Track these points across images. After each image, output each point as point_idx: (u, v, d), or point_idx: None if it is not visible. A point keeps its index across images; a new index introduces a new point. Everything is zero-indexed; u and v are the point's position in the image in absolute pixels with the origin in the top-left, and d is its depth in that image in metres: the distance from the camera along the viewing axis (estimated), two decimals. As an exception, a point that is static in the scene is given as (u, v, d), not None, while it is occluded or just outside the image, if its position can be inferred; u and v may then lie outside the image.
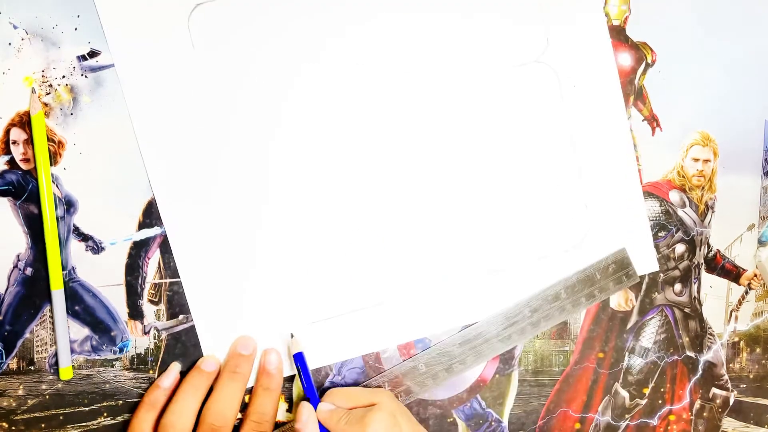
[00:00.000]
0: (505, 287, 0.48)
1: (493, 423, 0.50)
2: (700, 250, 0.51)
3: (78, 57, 0.44)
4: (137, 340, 0.46)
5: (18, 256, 0.44)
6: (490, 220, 0.48)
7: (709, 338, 0.52)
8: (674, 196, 0.50)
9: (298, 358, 0.45)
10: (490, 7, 0.47)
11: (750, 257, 0.52)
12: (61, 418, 0.45)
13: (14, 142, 0.44)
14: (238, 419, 0.45)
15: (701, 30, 0.49)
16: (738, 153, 0.51)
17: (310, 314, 0.46)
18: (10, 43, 0.43)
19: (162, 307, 0.46)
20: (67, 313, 0.45)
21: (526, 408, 0.50)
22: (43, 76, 0.44)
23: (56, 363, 0.45)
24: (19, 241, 0.44)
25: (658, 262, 0.50)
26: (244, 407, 0.45)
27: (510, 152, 0.48)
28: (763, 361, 0.53)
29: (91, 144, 0.44)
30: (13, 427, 0.45)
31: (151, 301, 0.46)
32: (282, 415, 0.47)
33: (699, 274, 0.51)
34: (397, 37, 0.46)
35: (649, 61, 0.49)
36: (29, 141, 0.44)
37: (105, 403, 0.46)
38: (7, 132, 0.44)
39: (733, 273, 0.52)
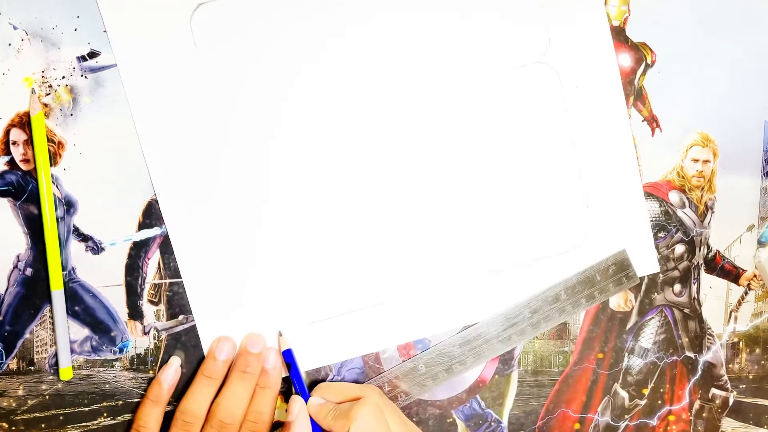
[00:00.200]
0: (505, 288, 0.48)
1: (492, 423, 0.50)
2: (699, 250, 0.51)
3: (78, 58, 0.44)
4: (137, 340, 0.46)
5: (18, 256, 0.44)
6: (490, 221, 0.48)
7: (708, 339, 0.52)
8: (674, 197, 0.50)
9: (287, 355, 0.45)
10: (491, 8, 0.47)
11: (749, 258, 0.52)
12: (61, 418, 0.46)
13: (14, 143, 0.44)
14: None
15: (701, 30, 0.49)
16: (738, 153, 0.51)
17: (309, 314, 0.46)
18: (10, 44, 0.43)
19: (162, 307, 0.46)
20: (67, 313, 0.45)
21: (525, 408, 0.50)
22: (42, 76, 0.44)
23: (56, 363, 0.45)
24: (19, 242, 0.44)
25: (658, 263, 0.50)
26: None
27: (510, 153, 0.48)
28: (763, 362, 0.53)
29: (91, 144, 0.44)
30: (13, 427, 0.45)
31: (151, 302, 0.46)
32: (282, 416, 0.47)
33: (698, 274, 0.51)
34: (397, 38, 0.46)
35: (649, 61, 0.49)
36: (29, 141, 0.44)
37: (105, 404, 0.46)
38: (7, 132, 0.44)
39: (732, 273, 0.52)
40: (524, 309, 0.48)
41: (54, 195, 0.44)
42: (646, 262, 0.50)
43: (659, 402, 0.52)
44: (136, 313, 0.46)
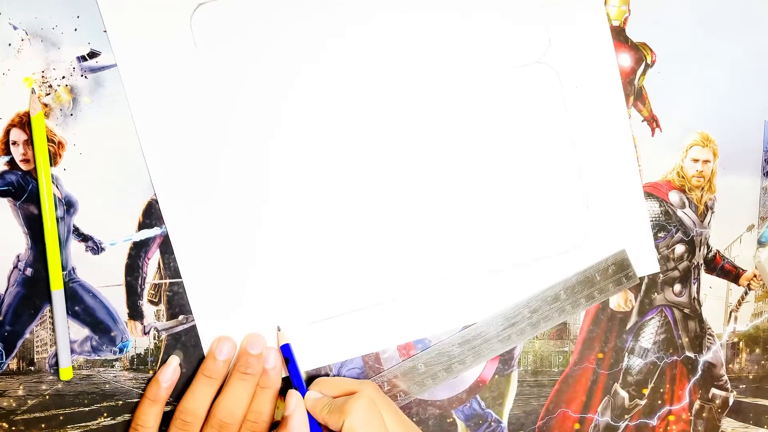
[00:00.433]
0: (504, 288, 0.48)
1: (492, 423, 0.50)
2: (699, 250, 0.51)
3: (78, 58, 0.44)
4: (137, 340, 0.46)
5: (18, 256, 0.44)
6: (490, 221, 0.48)
7: (708, 339, 0.52)
8: (674, 197, 0.50)
9: (285, 349, 0.45)
10: (491, 8, 0.47)
11: (749, 258, 0.52)
12: (61, 418, 0.46)
13: (14, 143, 0.44)
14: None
15: (701, 30, 0.49)
16: (738, 153, 0.51)
17: (310, 314, 0.46)
18: (10, 44, 0.43)
19: (162, 307, 0.46)
20: (67, 313, 0.45)
21: (525, 408, 0.50)
22: (42, 76, 0.44)
23: (56, 363, 0.45)
24: (19, 242, 0.44)
25: (658, 263, 0.50)
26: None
27: (510, 153, 0.48)
28: (763, 362, 0.53)
29: (91, 144, 0.44)
30: (13, 427, 0.45)
31: (151, 302, 0.46)
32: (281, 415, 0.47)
33: (698, 274, 0.51)
34: (397, 38, 0.46)
35: (649, 61, 0.49)
36: (29, 142, 0.44)
37: (105, 404, 0.46)
38: (7, 132, 0.44)
39: (732, 273, 0.52)
40: (524, 309, 0.48)
41: (54, 195, 0.44)
42: (646, 262, 0.50)
43: (659, 402, 0.52)
44: (136, 313, 0.46)
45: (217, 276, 0.45)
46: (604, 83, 0.48)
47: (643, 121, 0.49)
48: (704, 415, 0.52)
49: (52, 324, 0.45)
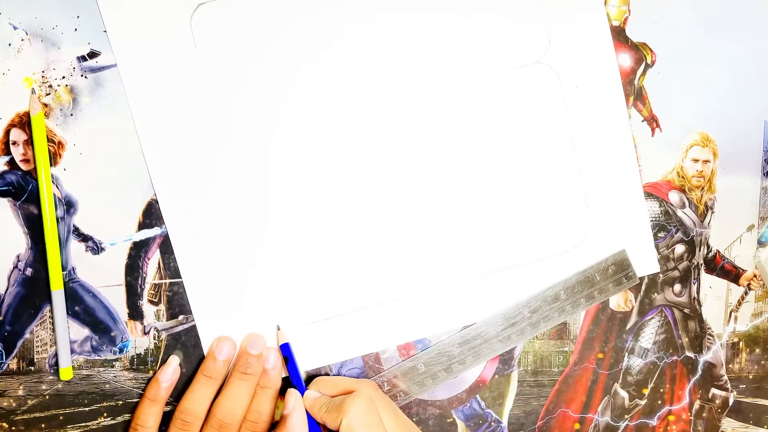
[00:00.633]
0: (504, 288, 0.48)
1: (492, 423, 0.50)
2: (699, 250, 0.51)
3: (78, 58, 0.44)
4: (137, 340, 0.46)
5: (18, 256, 0.44)
6: (490, 221, 0.48)
7: (708, 339, 0.52)
8: (674, 197, 0.50)
9: (285, 348, 0.45)
10: (491, 8, 0.47)
11: (749, 258, 0.52)
12: (61, 418, 0.46)
13: (14, 143, 0.44)
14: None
15: (701, 30, 0.49)
16: (738, 153, 0.51)
17: (310, 314, 0.46)
18: (10, 44, 0.43)
19: (162, 307, 0.46)
20: (67, 313, 0.45)
21: (525, 408, 0.50)
22: (43, 76, 0.44)
23: (56, 363, 0.45)
24: (19, 242, 0.44)
25: (658, 263, 0.50)
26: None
27: (510, 153, 0.48)
28: (763, 362, 0.53)
29: (91, 144, 0.44)
30: (13, 427, 0.45)
31: (151, 302, 0.46)
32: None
33: (698, 274, 0.51)
34: (397, 38, 0.46)
35: (649, 61, 0.49)
36: (29, 141, 0.44)
37: (105, 404, 0.46)
38: (7, 132, 0.44)
39: (732, 273, 0.52)
40: (524, 309, 0.48)
41: (54, 195, 0.44)
42: (646, 262, 0.50)
43: (659, 402, 0.52)
44: (136, 313, 0.46)
45: (217, 276, 0.45)
46: (604, 83, 0.48)
47: (643, 121, 0.49)
48: (704, 415, 0.52)
49: (52, 324, 0.45)
